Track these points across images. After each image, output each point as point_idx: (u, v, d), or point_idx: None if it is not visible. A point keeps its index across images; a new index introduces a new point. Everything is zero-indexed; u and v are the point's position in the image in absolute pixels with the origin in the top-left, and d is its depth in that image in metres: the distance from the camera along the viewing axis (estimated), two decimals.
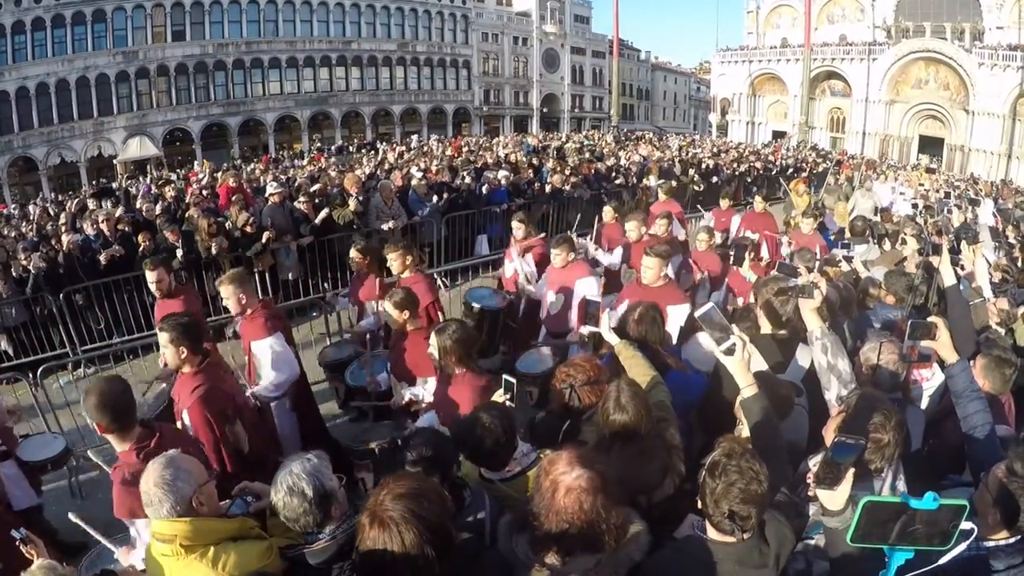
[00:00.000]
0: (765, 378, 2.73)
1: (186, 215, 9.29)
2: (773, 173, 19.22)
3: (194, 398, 3.25)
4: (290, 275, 8.46)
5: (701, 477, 2.01)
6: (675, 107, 63.68)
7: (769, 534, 2.02)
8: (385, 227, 8.72)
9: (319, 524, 2.13)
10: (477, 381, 3.40)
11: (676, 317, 4.50)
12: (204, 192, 11.86)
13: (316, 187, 10.54)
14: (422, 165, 14.34)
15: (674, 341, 4.33)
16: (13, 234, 11.81)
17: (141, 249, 7.57)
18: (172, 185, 15.55)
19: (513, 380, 3.23)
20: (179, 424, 3.32)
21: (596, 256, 6.59)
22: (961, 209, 10.24)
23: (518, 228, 6.32)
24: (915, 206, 10.99)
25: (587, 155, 17.76)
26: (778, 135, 44.31)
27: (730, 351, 2.42)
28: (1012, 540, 2.05)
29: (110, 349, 6.66)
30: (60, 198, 21.56)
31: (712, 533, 2.02)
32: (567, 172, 12.56)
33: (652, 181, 12.84)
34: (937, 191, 16.01)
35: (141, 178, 26.88)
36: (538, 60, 49.00)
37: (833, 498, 1.85)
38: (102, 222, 8.46)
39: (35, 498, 3.86)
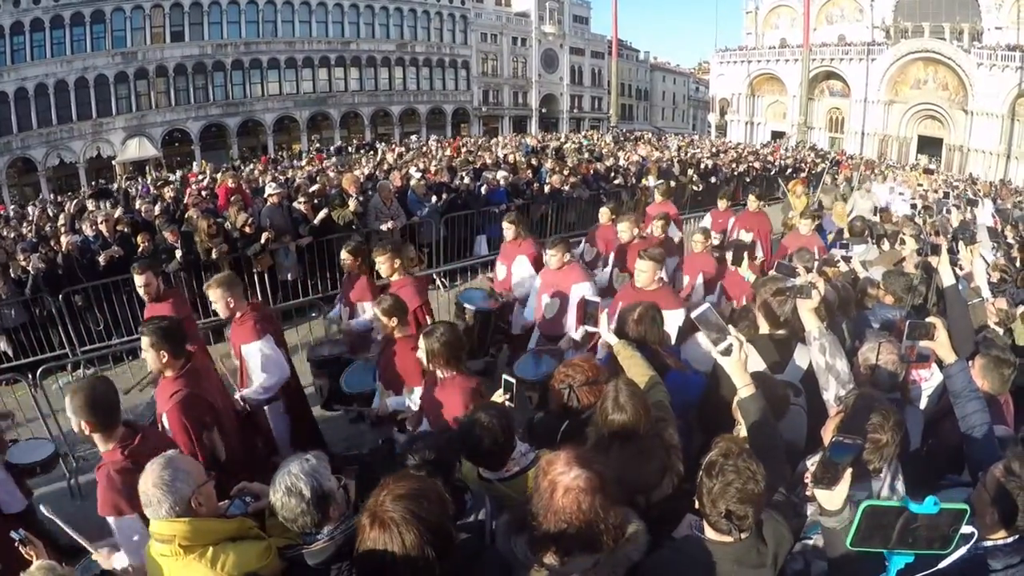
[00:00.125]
0: (762, 378, 2.73)
1: (185, 216, 9.29)
2: (772, 173, 19.24)
3: (172, 403, 3.24)
4: (289, 276, 8.46)
5: (699, 477, 2.01)
6: (674, 107, 63.73)
7: (767, 534, 2.03)
8: (384, 227, 8.72)
9: (317, 524, 2.13)
10: (467, 383, 3.38)
11: (671, 321, 4.45)
12: (203, 193, 11.88)
13: (315, 188, 10.54)
14: (421, 165, 14.34)
15: (672, 342, 4.32)
16: (12, 235, 11.80)
17: (140, 250, 7.57)
18: (171, 186, 15.55)
19: (513, 380, 3.23)
20: (160, 427, 3.32)
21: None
22: (959, 209, 10.26)
23: (508, 229, 6.23)
24: (914, 206, 11.01)
25: (586, 155, 17.76)
26: (777, 135, 44.37)
27: (727, 352, 2.43)
28: (1010, 540, 2.06)
29: (109, 350, 6.66)
30: (59, 199, 21.55)
31: (710, 533, 2.03)
32: (566, 172, 12.56)
33: (651, 181, 12.84)
34: (935, 191, 16.03)
35: (140, 179, 26.94)
36: (537, 60, 49.02)
37: (831, 498, 1.85)
38: (101, 223, 8.46)
39: (23, 502, 3.85)
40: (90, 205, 13.63)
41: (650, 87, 61.16)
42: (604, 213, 7.51)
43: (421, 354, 3.43)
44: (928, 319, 2.94)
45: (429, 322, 4.69)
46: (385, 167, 15.53)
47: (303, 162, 24.03)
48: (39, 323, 7.47)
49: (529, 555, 1.95)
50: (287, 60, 38.08)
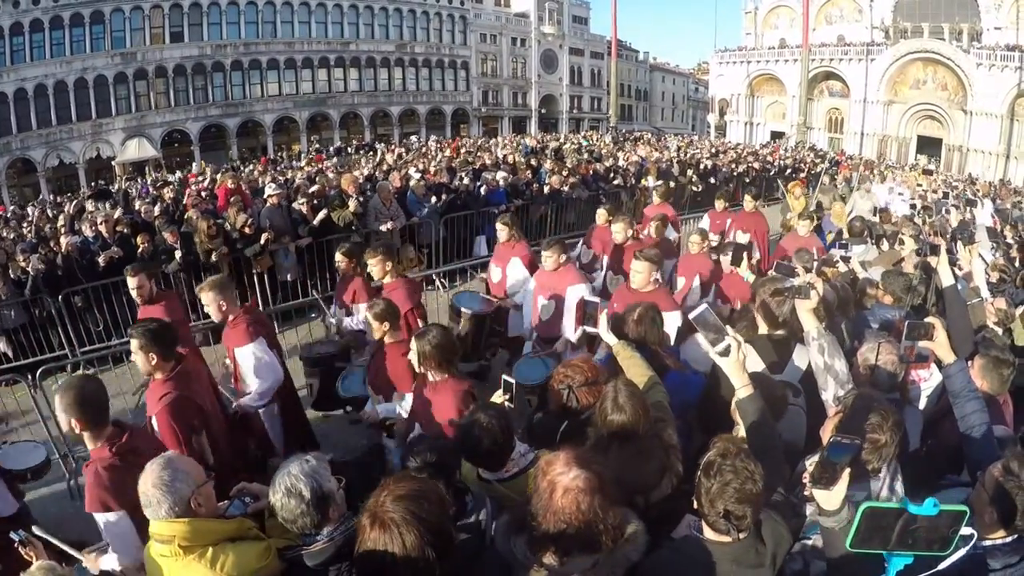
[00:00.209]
0: (760, 379, 2.73)
1: (185, 217, 9.29)
2: (771, 174, 19.24)
3: (161, 405, 3.23)
4: (288, 276, 8.46)
5: (697, 477, 2.01)
6: (673, 108, 63.78)
7: (766, 534, 2.03)
8: (383, 228, 8.73)
9: (317, 525, 2.13)
10: (459, 386, 3.36)
11: (667, 324, 4.42)
12: (203, 194, 11.87)
13: (314, 189, 10.55)
14: (420, 166, 14.34)
15: (671, 343, 4.32)
16: (12, 236, 11.79)
17: (140, 251, 7.57)
18: (170, 186, 15.55)
19: (512, 380, 3.23)
20: (150, 429, 3.30)
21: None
22: (958, 210, 10.28)
23: (502, 231, 6.18)
24: (913, 207, 11.02)
25: (585, 156, 17.76)
26: (776, 136, 44.40)
27: (725, 352, 2.42)
28: (1009, 539, 2.06)
29: (109, 351, 6.65)
30: (58, 200, 21.56)
31: (708, 533, 2.03)
32: (565, 173, 12.56)
33: (650, 182, 12.84)
34: (934, 191, 16.05)
35: (140, 179, 26.94)
36: (536, 61, 49.05)
37: (829, 498, 1.85)
38: (100, 224, 8.46)
39: (15, 506, 3.84)
40: (89, 206, 13.62)
41: (649, 87, 61.21)
42: (601, 215, 7.43)
43: (413, 356, 3.40)
44: (927, 319, 2.95)
45: (421, 326, 4.67)
46: (384, 168, 15.53)
47: (302, 163, 24.03)
48: (39, 324, 7.47)
49: (528, 555, 1.95)
50: (286, 61, 38.10)
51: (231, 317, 4.20)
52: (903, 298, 4.65)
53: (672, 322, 4.38)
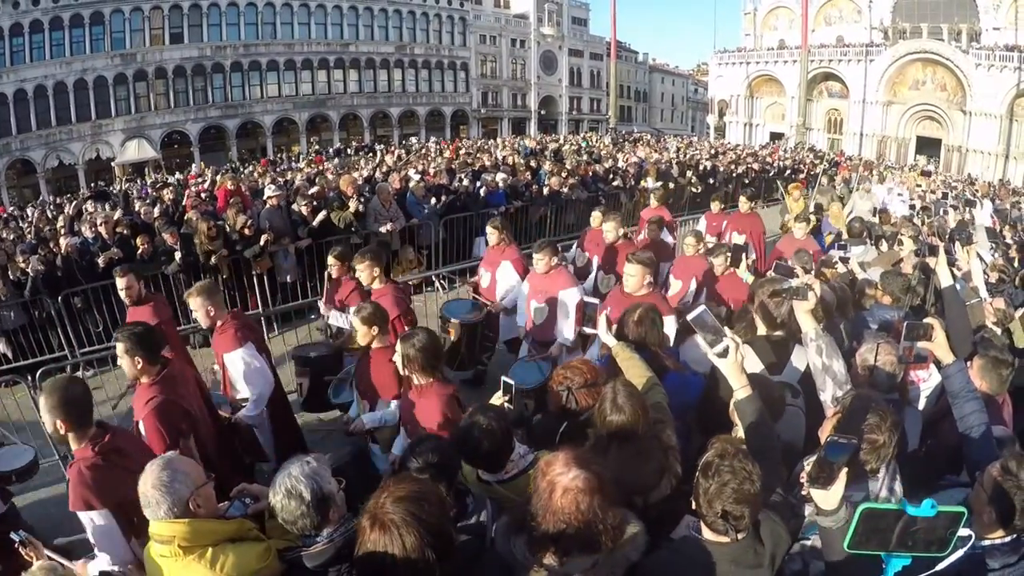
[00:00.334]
0: (759, 380, 2.74)
1: (184, 218, 9.29)
2: (771, 175, 19.25)
3: (148, 409, 3.22)
4: (288, 278, 8.46)
5: (695, 478, 2.02)
6: (673, 109, 63.85)
7: (764, 534, 2.03)
8: (383, 230, 8.74)
9: (317, 527, 2.13)
10: (444, 390, 3.33)
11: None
12: (203, 195, 11.88)
13: (314, 190, 10.55)
14: (420, 167, 14.34)
15: (670, 344, 4.31)
16: (12, 237, 11.79)
17: (140, 252, 7.57)
18: (170, 188, 15.55)
19: (512, 382, 3.23)
20: (136, 434, 3.29)
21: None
22: (957, 210, 10.30)
23: (492, 234, 6.07)
24: (912, 207, 11.04)
25: (584, 157, 17.77)
26: (776, 136, 44.43)
27: (723, 353, 2.42)
28: (1008, 539, 2.07)
29: (108, 352, 6.62)
30: (58, 201, 21.55)
31: (707, 533, 2.04)
32: (564, 174, 12.57)
33: (650, 183, 12.84)
34: (933, 192, 16.08)
35: (139, 180, 26.94)
36: (536, 62, 49.10)
37: (827, 497, 1.86)
38: (100, 225, 8.47)
39: (1, 508, 3.84)
40: (89, 207, 13.61)
41: (649, 89, 61.28)
42: (596, 217, 7.32)
43: (397, 358, 3.37)
44: (926, 320, 2.95)
45: None
46: (384, 169, 15.53)
47: (301, 164, 24.04)
48: (38, 325, 7.47)
49: (528, 556, 1.95)
50: (286, 62, 38.14)
51: (219, 322, 4.18)
52: (902, 298, 4.66)
53: (668, 326, 4.32)
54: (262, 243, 7.90)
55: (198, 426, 3.50)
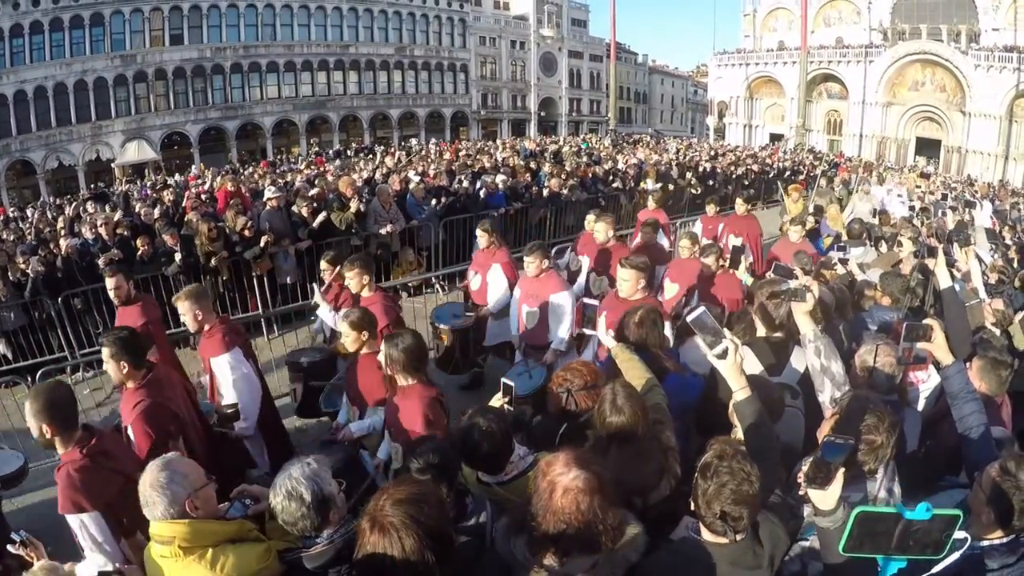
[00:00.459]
0: (758, 381, 2.74)
1: (185, 219, 9.29)
2: (771, 176, 19.26)
3: (136, 413, 3.21)
4: (288, 279, 8.46)
5: (694, 479, 2.02)
6: (672, 110, 63.91)
7: (763, 535, 2.04)
8: (383, 231, 8.75)
9: (317, 528, 2.14)
10: (426, 392, 3.30)
11: None
12: (203, 196, 11.88)
13: (314, 191, 10.56)
14: (420, 169, 14.35)
15: (670, 346, 4.31)
16: (12, 238, 11.81)
17: (140, 253, 7.58)
18: (170, 189, 15.56)
19: (512, 383, 3.23)
20: (126, 440, 3.28)
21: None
22: (956, 211, 10.31)
23: (481, 237, 5.96)
24: (912, 208, 11.04)
25: (584, 159, 17.79)
26: (775, 138, 44.47)
27: (722, 355, 2.42)
28: (1006, 539, 2.07)
29: None
30: (58, 202, 21.57)
31: (706, 534, 2.04)
32: (564, 176, 12.58)
33: (649, 185, 12.83)
34: (932, 193, 16.09)
35: (139, 182, 26.95)
36: (535, 64, 49.14)
37: (825, 498, 1.87)
38: (100, 226, 8.47)
39: None
40: (90, 208, 13.63)
41: (649, 90, 61.33)
42: (590, 220, 7.08)
43: (381, 357, 3.35)
44: (925, 321, 2.96)
45: None
46: (384, 171, 15.54)
47: (301, 165, 24.05)
48: (38, 326, 7.47)
49: (528, 556, 1.96)
50: (286, 63, 38.17)
51: (207, 327, 4.15)
52: (901, 300, 4.67)
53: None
54: (262, 245, 7.91)
55: (187, 429, 3.49)
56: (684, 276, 5.94)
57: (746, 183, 17.19)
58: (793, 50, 44.05)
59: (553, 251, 7.34)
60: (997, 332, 4.46)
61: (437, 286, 9.14)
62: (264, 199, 8.95)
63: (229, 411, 4.07)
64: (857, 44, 41.53)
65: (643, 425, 2.58)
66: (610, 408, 2.57)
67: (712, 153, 23.45)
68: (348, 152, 32.38)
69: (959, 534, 1.59)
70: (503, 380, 3.27)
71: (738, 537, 1.97)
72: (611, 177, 14.08)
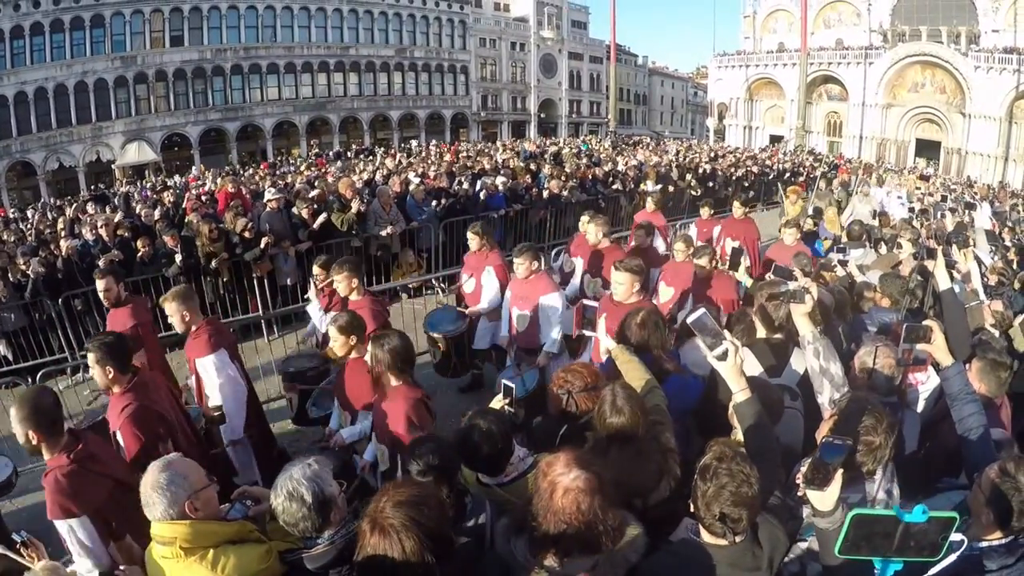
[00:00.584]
0: (758, 382, 2.74)
1: (185, 220, 9.30)
2: (770, 178, 19.26)
3: (124, 417, 3.20)
4: (288, 280, 8.47)
5: (693, 480, 2.03)
6: (672, 112, 63.93)
7: (762, 537, 2.04)
8: (383, 233, 8.76)
9: (318, 529, 2.14)
10: (412, 393, 3.30)
11: None
12: (203, 198, 11.90)
13: (315, 193, 10.56)
14: (420, 170, 14.36)
15: (670, 347, 4.30)
16: (12, 239, 11.81)
17: (140, 254, 7.59)
18: (170, 190, 15.57)
19: (512, 385, 3.23)
20: (115, 446, 3.28)
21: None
22: (955, 213, 10.32)
23: (473, 240, 5.92)
24: (911, 210, 11.05)
25: (584, 160, 17.79)
26: (775, 139, 44.49)
27: (722, 356, 2.43)
28: (1005, 540, 2.08)
29: None
30: (59, 203, 21.58)
31: (705, 536, 2.05)
32: (564, 177, 12.58)
33: (649, 186, 12.83)
34: (932, 195, 16.10)
35: (139, 183, 26.97)
36: (536, 65, 49.17)
37: (823, 499, 1.87)
38: (101, 227, 8.48)
39: None
40: (90, 209, 13.64)
41: (649, 92, 61.36)
42: (584, 221, 6.97)
43: (368, 358, 3.34)
44: (925, 322, 2.96)
45: None
46: (384, 172, 15.55)
47: (301, 167, 24.06)
48: (39, 327, 7.49)
49: (529, 557, 1.96)
50: (286, 65, 38.21)
51: (194, 328, 4.16)
52: (900, 301, 4.67)
53: None
54: (262, 246, 7.92)
55: (175, 432, 3.48)
56: (679, 279, 5.85)
57: (746, 185, 17.20)
58: (793, 52, 44.08)
59: (553, 252, 7.30)
60: (996, 334, 4.47)
61: (437, 287, 9.15)
62: (264, 200, 8.96)
63: (215, 413, 4.08)
64: (857, 46, 41.58)
65: (643, 426, 2.58)
66: (610, 409, 2.58)
67: (712, 155, 23.43)
68: (348, 154, 32.39)
69: (955, 536, 1.60)
70: (504, 381, 3.27)
71: (737, 539, 1.98)
72: (611, 179, 14.08)
